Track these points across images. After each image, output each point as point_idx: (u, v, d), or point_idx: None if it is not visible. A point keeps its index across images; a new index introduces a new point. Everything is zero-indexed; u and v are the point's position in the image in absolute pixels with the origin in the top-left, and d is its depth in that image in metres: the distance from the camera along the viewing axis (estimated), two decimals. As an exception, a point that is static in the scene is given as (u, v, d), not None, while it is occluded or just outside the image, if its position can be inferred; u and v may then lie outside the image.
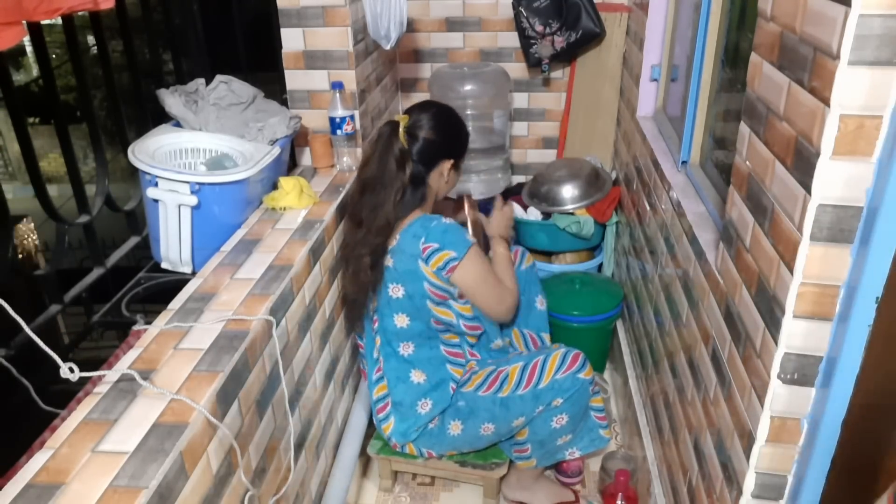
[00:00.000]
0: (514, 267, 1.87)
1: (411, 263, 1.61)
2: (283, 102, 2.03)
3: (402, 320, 1.69)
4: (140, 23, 2.91)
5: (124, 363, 1.13)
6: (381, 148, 1.65)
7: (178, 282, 1.57)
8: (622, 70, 2.64)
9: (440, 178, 1.72)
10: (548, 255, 2.61)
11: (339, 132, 1.99)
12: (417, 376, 1.72)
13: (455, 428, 1.73)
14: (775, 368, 0.95)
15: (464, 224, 1.93)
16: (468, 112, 2.60)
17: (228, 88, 1.83)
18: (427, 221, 1.63)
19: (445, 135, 1.70)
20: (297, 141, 2.09)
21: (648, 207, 1.98)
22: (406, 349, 1.72)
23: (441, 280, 1.62)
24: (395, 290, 1.66)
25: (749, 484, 1.03)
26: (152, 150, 1.69)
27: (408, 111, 1.72)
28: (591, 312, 2.23)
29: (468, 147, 1.81)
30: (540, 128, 2.91)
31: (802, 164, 0.88)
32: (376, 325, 1.74)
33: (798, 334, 0.92)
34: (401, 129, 1.65)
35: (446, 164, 1.71)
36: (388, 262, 1.65)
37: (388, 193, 1.61)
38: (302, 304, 1.53)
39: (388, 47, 2.01)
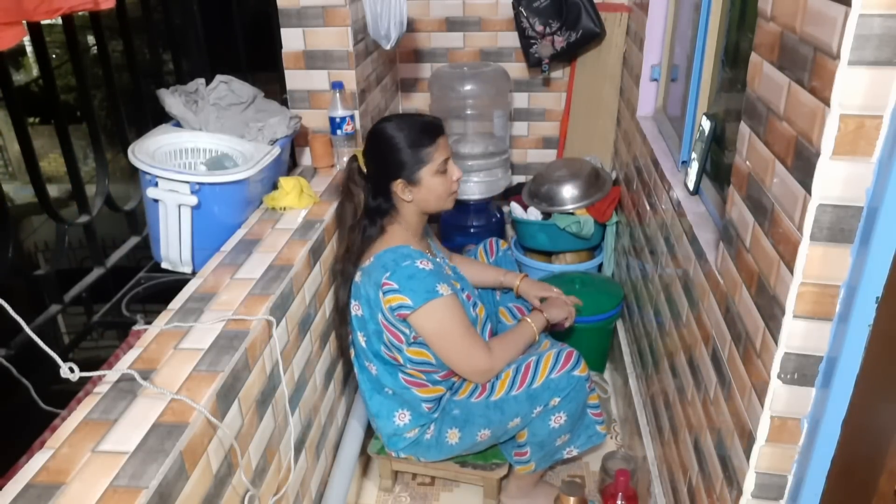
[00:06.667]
0: (524, 349, 1.73)
1: (373, 291, 1.58)
2: (283, 102, 2.04)
3: (361, 339, 1.68)
4: (140, 23, 2.91)
5: (124, 363, 1.13)
6: (342, 185, 1.70)
7: (178, 282, 1.57)
8: (622, 70, 2.64)
9: (402, 200, 1.63)
10: (548, 255, 2.61)
11: (339, 132, 1.99)
12: (389, 390, 1.71)
13: (453, 436, 1.72)
14: (775, 368, 0.95)
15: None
16: (468, 112, 2.60)
17: (228, 88, 1.83)
18: (401, 258, 1.56)
19: (376, 162, 1.63)
20: (297, 141, 2.09)
21: (648, 207, 1.98)
22: (371, 368, 1.71)
23: (394, 319, 1.58)
24: (355, 308, 1.66)
25: (749, 484, 1.03)
26: (152, 150, 1.69)
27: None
28: (591, 312, 2.23)
29: (411, 160, 1.59)
30: (540, 128, 2.91)
31: (802, 164, 0.88)
32: (350, 337, 1.75)
33: (798, 334, 0.92)
34: (360, 161, 1.66)
35: (397, 185, 1.61)
36: (357, 278, 1.65)
37: (344, 225, 1.68)
38: (302, 304, 1.53)
39: (388, 47, 2.01)
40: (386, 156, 1.61)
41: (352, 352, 1.76)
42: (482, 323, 1.76)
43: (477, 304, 1.76)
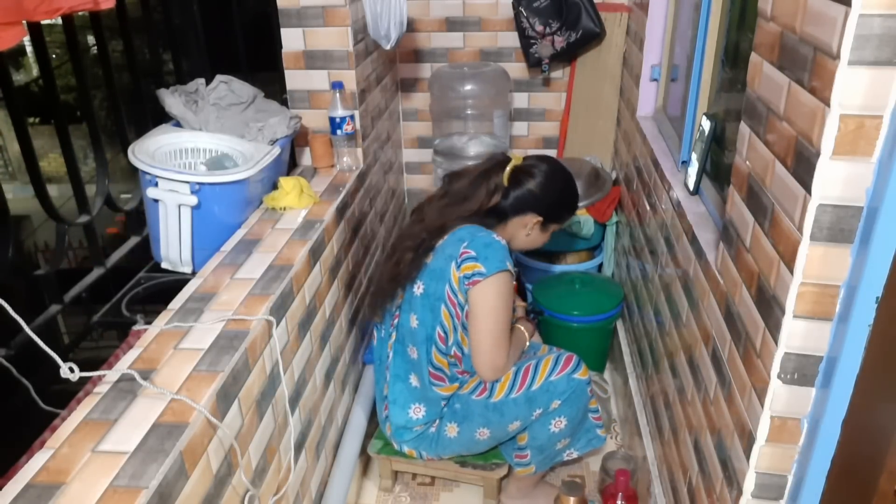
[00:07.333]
0: (518, 355, 1.75)
1: (445, 263, 1.59)
2: (283, 102, 2.03)
3: (413, 321, 1.67)
4: (140, 23, 2.91)
5: (124, 363, 1.13)
6: (481, 173, 1.68)
7: (178, 282, 1.57)
8: (622, 70, 2.64)
9: (522, 227, 1.70)
10: (548, 255, 2.61)
11: (339, 132, 1.99)
12: (415, 380, 1.72)
13: (452, 430, 1.73)
14: (775, 368, 0.95)
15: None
16: (468, 112, 2.60)
17: (228, 88, 1.83)
18: (477, 230, 1.60)
19: (545, 191, 1.67)
20: (297, 141, 2.09)
21: (648, 207, 1.98)
22: (412, 352, 1.71)
23: (461, 291, 1.58)
24: (418, 288, 1.65)
25: (749, 484, 1.03)
26: (152, 150, 1.69)
27: (526, 157, 1.74)
28: (591, 312, 2.23)
29: (565, 217, 1.80)
30: (540, 128, 2.91)
31: (802, 164, 0.88)
32: (396, 320, 1.73)
33: (798, 334, 0.92)
34: (509, 167, 1.66)
35: (532, 219, 1.68)
36: (429, 258, 1.64)
37: (460, 210, 1.65)
38: (302, 304, 1.53)
39: (388, 47, 2.01)
40: (558, 197, 1.73)
41: (393, 335, 1.74)
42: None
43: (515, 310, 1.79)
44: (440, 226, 1.64)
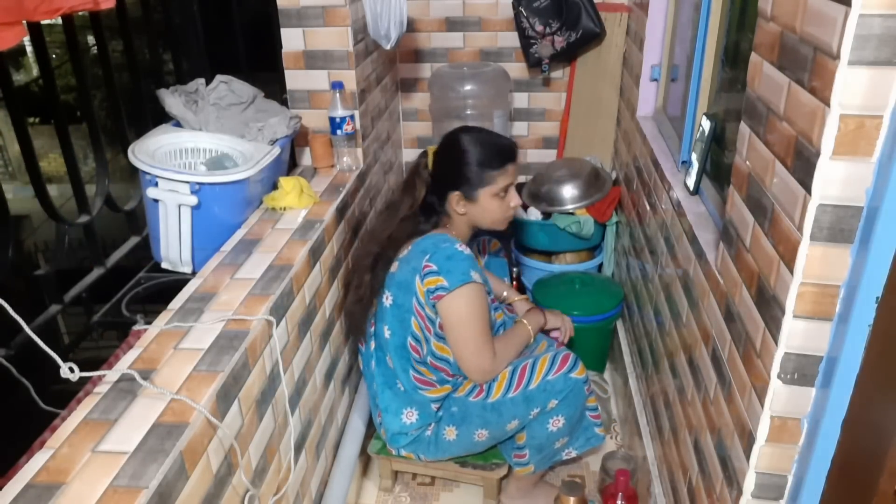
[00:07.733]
0: (520, 350, 1.74)
1: (410, 276, 1.60)
2: (283, 102, 2.03)
3: (386, 331, 1.69)
4: (140, 23, 2.91)
5: (124, 363, 1.13)
6: (409, 174, 1.73)
7: (178, 282, 1.57)
8: (622, 70, 2.64)
9: (455, 210, 1.67)
10: (548, 255, 2.61)
11: (339, 132, 1.99)
12: (401, 385, 1.72)
13: (450, 433, 1.73)
14: (775, 368, 0.95)
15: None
16: (468, 112, 2.60)
17: (228, 88, 1.83)
18: (440, 241, 1.59)
19: (441, 167, 1.67)
20: (297, 141, 2.09)
21: (648, 207, 1.98)
22: (390, 362, 1.71)
23: (428, 305, 1.59)
24: (387, 299, 1.66)
25: (749, 484, 1.03)
26: (152, 150, 1.69)
27: None
28: (591, 312, 2.23)
29: (473, 177, 1.61)
30: (540, 128, 2.91)
31: (802, 164, 0.88)
32: (373, 328, 1.75)
33: (798, 334, 0.92)
34: (428, 158, 1.70)
35: (453, 197, 1.65)
36: (394, 268, 1.65)
37: (399, 213, 1.68)
38: (302, 304, 1.53)
39: (388, 47, 2.01)
40: (452, 166, 1.65)
41: (372, 343, 1.76)
42: (495, 329, 1.77)
43: (498, 309, 1.79)
44: (388, 236, 1.66)
